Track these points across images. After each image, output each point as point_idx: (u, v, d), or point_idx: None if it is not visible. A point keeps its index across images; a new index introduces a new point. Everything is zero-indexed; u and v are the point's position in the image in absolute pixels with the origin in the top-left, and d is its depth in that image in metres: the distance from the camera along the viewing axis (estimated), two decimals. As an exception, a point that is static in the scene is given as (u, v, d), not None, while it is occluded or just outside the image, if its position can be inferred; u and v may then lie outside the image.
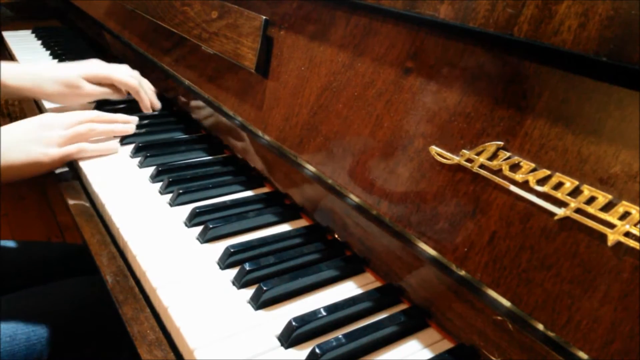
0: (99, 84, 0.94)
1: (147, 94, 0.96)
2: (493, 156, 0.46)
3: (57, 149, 0.76)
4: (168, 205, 0.69)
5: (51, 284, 0.78)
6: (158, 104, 0.98)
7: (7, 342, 0.67)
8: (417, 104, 0.53)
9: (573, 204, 0.40)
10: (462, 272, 0.48)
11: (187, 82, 0.91)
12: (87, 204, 0.73)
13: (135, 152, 0.82)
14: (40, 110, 1.02)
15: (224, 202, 0.69)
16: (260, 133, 0.73)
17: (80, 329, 0.74)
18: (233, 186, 0.75)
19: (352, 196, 0.59)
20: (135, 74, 0.97)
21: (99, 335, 0.75)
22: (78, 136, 0.79)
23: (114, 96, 0.97)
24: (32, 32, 1.48)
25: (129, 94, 0.97)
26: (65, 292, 0.78)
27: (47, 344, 0.70)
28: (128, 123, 0.87)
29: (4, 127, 0.74)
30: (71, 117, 0.80)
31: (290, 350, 0.49)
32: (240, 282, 0.55)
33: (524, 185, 0.43)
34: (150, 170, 0.77)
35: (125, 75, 0.94)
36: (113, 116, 0.86)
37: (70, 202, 0.73)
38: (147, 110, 0.96)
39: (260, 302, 0.53)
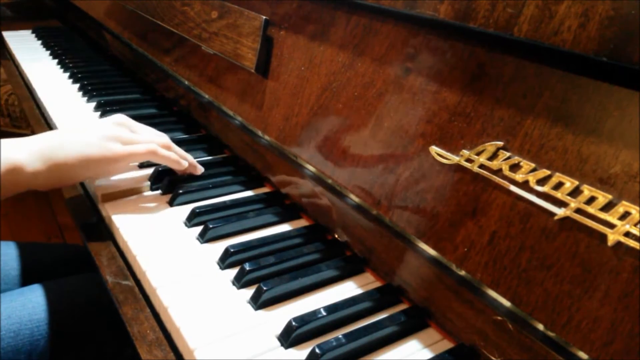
0: None
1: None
2: (493, 156, 0.46)
3: (121, 145, 0.67)
4: (168, 205, 0.69)
5: (54, 281, 0.78)
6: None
7: (11, 338, 0.67)
8: (417, 104, 0.53)
9: (573, 204, 0.40)
10: (462, 272, 0.48)
11: (187, 82, 0.91)
12: (88, 204, 0.73)
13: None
14: (39, 109, 1.02)
15: (224, 202, 0.69)
16: (260, 133, 0.73)
17: (83, 327, 0.74)
18: (233, 186, 0.75)
19: (352, 196, 0.59)
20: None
21: (102, 331, 0.75)
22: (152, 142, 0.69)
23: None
24: (32, 32, 1.48)
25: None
26: (69, 289, 0.78)
27: (50, 340, 0.70)
28: (195, 169, 0.75)
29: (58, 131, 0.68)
30: (147, 130, 0.72)
31: (290, 350, 0.49)
32: (240, 282, 0.55)
33: (524, 185, 0.43)
34: (151, 170, 0.76)
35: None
36: (183, 153, 0.75)
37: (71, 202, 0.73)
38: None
39: (260, 302, 0.53)
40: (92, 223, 0.69)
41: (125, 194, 0.71)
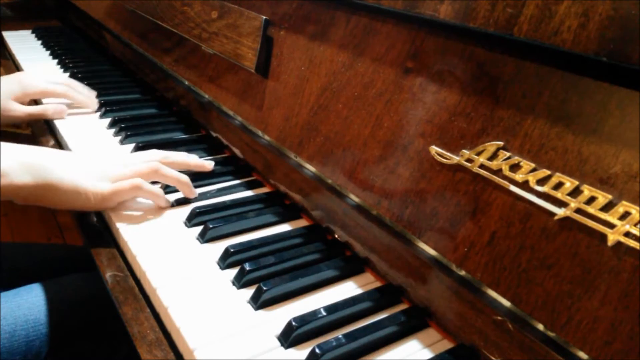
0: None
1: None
2: (493, 156, 0.46)
3: (108, 184, 0.65)
4: (168, 205, 0.69)
5: (50, 281, 0.78)
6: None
7: (6, 339, 0.67)
8: (417, 104, 0.53)
9: (573, 204, 0.40)
10: (462, 272, 0.48)
11: (187, 82, 0.91)
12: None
13: (136, 152, 0.82)
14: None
15: (224, 202, 0.69)
16: (260, 133, 0.73)
17: (79, 325, 0.74)
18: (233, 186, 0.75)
19: (352, 196, 0.59)
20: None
21: (97, 331, 0.76)
22: (139, 175, 0.66)
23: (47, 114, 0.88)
24: (32, 32, 1.48)
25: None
26: (64, 288, 0.78)
27: (46, 340, 0.70)
28: (203, 167, 0.75)
29: (71, 154, 0.67)
30: (135, 156, 0.70)
31: (290, 350, 0.49)
32: (240, 282, 0.55)
33: (524, 185, 0.43)
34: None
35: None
36: (185, 157, 0.73)
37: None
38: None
39: (260, 302, 0.53)
40: (92, 223, 0.69)
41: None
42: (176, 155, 0.73)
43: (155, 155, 0.70)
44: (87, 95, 0.98)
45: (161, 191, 0.68)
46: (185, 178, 0.69)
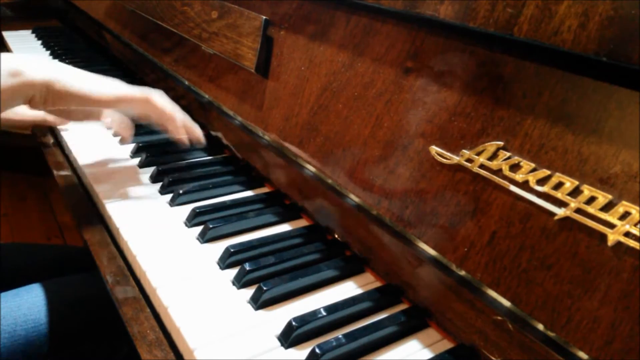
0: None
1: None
2: (493, 156, 0.46)
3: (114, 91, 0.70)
4: (168, 205, 0.69)
5: (50, 281, 0.78)
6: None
7: (6, 339, 0.67)
8: (417, 104, 0.53)
9: (573, 204, 0.40)
10: (462, 272, 0.48)
11: (187, 82, 0.91)
12: (88, 205, 0.73)
13: (136, 152, 0.82)
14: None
15: (224, 202, 0.69)
16: (260, 133, 0.73)
17: (79, 325, 0.74)
18: (233, 186, 0.75)
19: (352, 196, 0.59)
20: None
21: (97, 331, 0.76)
22: (147, 95, 0.72)
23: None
24: (32, 32, 1.48)
25: None
26: (64, 288, 0.78)
27: (46, 340, 0.70)
28: (199, 140, 0.78)
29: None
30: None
31: (290, 350, 0.49)
32: (240, 282, 0.55)
33: (524, 185, 0.43)
34: (151, 170, 0.77)
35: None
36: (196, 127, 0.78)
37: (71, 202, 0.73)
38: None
39: (260, 302, 0.53)
40: (92, 223, 0.69)
41: (125, 193, 0.71)
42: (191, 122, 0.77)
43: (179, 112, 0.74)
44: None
45: (172, 106, 0.73)
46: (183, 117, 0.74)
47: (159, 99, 0.73)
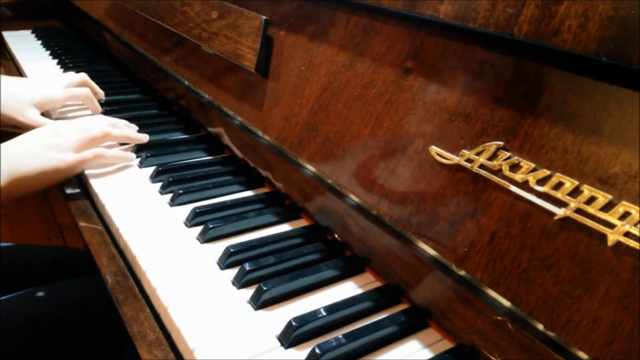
0: None
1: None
2: (493, 156, 0.46)
3: (72, 154, 0.72)
4: (168, 205, 0.69)
5: (51, 285, 0.78)
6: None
7: (8, 341, 0.67)
8: (417, 104, 0.53)
9: (573, 204, 0.40)
10: (462, 272, 0.48)
11: (187, 82, 0.91)
12: (88, 204, 0.73)
13: (135, 152, 0.82)
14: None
15: (224, 202, 0.69)
16: (260, 133, 0.73)
17: (81, 330, 0.74)
18: (233, 186, 0.75)
19: (352, 196, 0.59)
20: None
21: (99, 335, 0.75)
22: (93, 141, 0.74)
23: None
24: (32, 32, 1.48)
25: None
26: (66, 292, 0.78)
27: (47, 341, 0.70)
28: (141, 140, 0.83)
29: (16, 139, 0.70)
30: (84, 123, 0.77)
31: (290, 350, 0.49)
32: (240, 282, 0.55)
33: (524, 185, 0.43)
34: (151, 170, 0.77)
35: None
36: (127, 123, 0.84)
37: (71, 202, 0.73)
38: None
39: (260, 302, 0.53)
40: (93, 223, 0.69)
41: (125, 193, 0.71)
42: (121, 124, 0.82)
43: (105, 120, 0.79)
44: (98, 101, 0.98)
45: (121, 152, 0.78)
46: (132, 132, 0.81)
47: (117, 132, 0.79)
